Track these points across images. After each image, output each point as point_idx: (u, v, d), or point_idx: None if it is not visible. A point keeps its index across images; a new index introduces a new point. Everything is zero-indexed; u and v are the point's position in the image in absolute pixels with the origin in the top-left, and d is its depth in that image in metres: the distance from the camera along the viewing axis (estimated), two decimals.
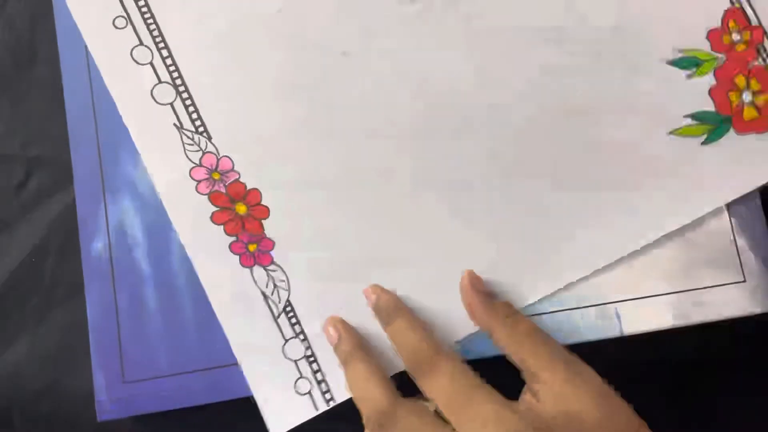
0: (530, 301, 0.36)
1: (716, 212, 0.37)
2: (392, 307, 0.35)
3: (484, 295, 0.35)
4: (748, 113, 0.38)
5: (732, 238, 0.37)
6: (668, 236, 0.37)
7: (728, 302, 0.37)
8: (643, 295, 0.37)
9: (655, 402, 0.33)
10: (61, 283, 0.39)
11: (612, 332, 0.36)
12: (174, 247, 0.37)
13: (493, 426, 0.29)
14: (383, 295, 0.35)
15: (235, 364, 0.36)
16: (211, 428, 0.38)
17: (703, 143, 0.37)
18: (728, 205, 0.38)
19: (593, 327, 0.34)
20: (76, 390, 0.38)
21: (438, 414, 0.31)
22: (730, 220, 0.38)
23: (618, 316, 0.37)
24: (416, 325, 0.34)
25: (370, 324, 0.36)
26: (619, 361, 0.33)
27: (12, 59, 0.41)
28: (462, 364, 0.32)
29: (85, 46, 0.38)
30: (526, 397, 0.31)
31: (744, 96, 0.38)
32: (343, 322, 0.35)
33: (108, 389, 0.36)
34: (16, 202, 0.40)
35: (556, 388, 0.30)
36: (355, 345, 0.34)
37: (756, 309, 0.37)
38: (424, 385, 0.32)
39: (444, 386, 0.31)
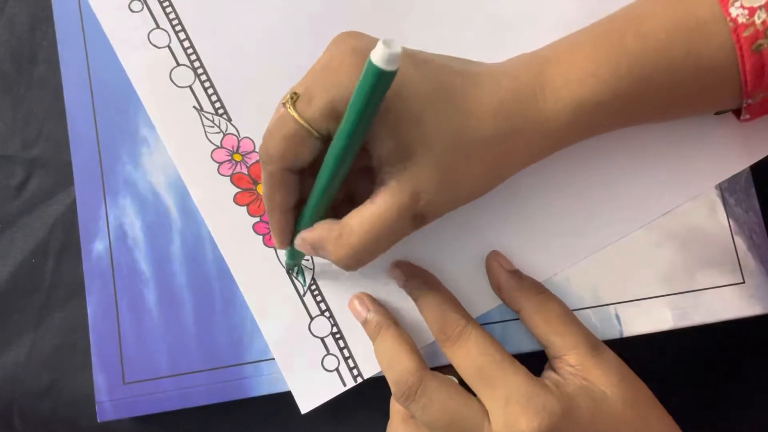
0: (546, 276, 0.36)
1: (715, 214, 0.38)
2: (422, 280, 0.35)
3: (512, 273, 0.35)
4: None
5: (731, 239, 0.38)
6: (667, 238, 0.37)
7: (728, 303, 0.37)
8: (642, 297, 0.37)
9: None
10: (62, 284, 0.39)
11: (612, 334, 0.36)
12: (174, 248, 0.37)
13: (522, 401, 0.30)
14: (414, 270, 0.36)
15: (235, 364, 0.36)
16: (210, 429, 0.38)
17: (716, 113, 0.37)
18: (726, 207, 0.38)
19: (593, 329, 0.34)
20: (76, 390, 0.38)
21: (462, 384, 0.32)
22: (729, 221, 0.38)
23: (618, 318, 0.37)
24: (447, 295, 0.35)
25: (394, 299, 0.36)
26: None
27: (12, 59, 0.41)
28: (491, 336, 0.33)
29: (85, 47, 0.38)
30: (549, 374, 0.32)
31: None
32: (370, 297, 0.36)
33: (108, 390, 0.36)
34: (16, 203, 0.40)
35: (581, 368, 0.32)
36: (384, 318, 0.34)
37: (755, 310, 0.37)
38: (453, 352, 0.32)
39: (473, 355, 0.32)
